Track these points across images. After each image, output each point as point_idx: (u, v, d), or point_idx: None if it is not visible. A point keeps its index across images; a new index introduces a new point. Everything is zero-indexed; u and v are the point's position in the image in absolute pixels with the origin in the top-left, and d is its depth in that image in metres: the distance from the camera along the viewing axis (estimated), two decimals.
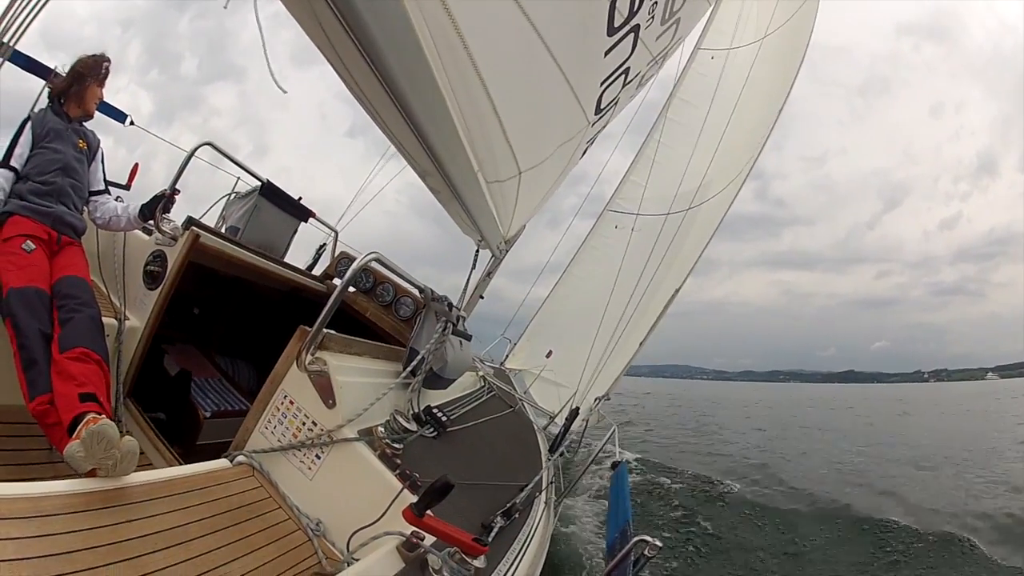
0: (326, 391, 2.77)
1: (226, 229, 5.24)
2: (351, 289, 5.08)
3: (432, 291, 3.67)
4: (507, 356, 12.26)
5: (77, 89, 3.45)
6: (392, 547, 2.14)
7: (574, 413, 6.60)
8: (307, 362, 2.74)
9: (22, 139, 3.22)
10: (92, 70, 3.47)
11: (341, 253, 5.86)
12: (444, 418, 3.75)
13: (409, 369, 3.44)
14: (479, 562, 2.13)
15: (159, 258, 3.99)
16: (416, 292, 3.88)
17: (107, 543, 1.76)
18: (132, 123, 5.76)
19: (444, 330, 3.61)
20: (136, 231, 4.07)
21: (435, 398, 4.12)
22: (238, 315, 5.70)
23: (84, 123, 3.57)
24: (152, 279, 3.97)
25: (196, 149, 4.29)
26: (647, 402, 47.28)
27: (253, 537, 2.24)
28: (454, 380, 4.10)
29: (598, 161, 14.23)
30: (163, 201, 3.71)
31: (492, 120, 3.02)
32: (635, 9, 3.37)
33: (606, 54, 3.46)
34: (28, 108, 3.63)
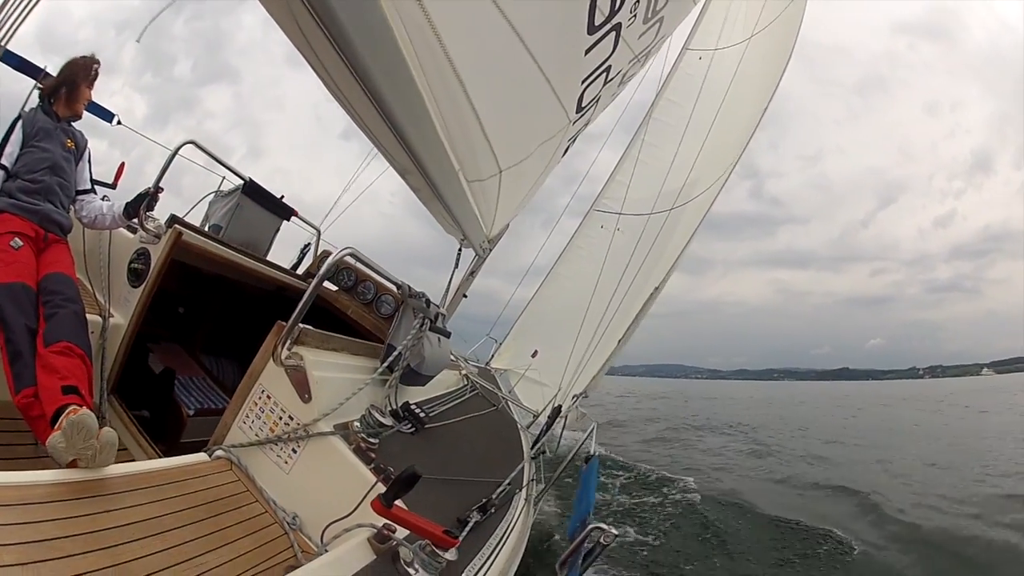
0: (302, 385, 2.80)
1: (209, 227, 5.26)
2: (333, 288, 5.11)
3: (409, 287, 3.70)
4: (493, 356, 12.28)
5: (67, 90, 3.51)
6: (363, 539, 2.17)
7: (556, 412, 6.63)
8: (283, 357, 2.77)
9: (13, 138, 3.27)
10: (82, 71, 3.52)
11: (324, 252, 5.89)
12: (423, 415, 3.78)
13: (386, 364, 3.46)
14: (450, 555, 2.14)
15: (143, 256, 4.02)
16: (394, 289, 3.91)
17: (86, 531, 1.80)
18: (119, 122, 5.78)
19: (421, 326, 3.63)
20: (121, 229, 4.09)
21: (415, 395, 4.15)
22: (223, 314, 5.73)
23: (72, 123, 3.61)
24: (136, 277, 4.00)
25: (180, 147, 4.32)
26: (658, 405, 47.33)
27: (229, 529, 2.26)
28: (432, 376, 4.11)
29: (591, 160, 14.34)
30: (147, 199, 3.73)
31: (471, 118, 3.03)
32: (616, 7, 3.36)
33: (587, 52, 3.45)
34: (18, 108, 3.65)
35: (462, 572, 2.39)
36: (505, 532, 3.10)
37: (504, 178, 3.92)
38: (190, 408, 4.26)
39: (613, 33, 3.55)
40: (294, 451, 2.74)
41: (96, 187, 3.91)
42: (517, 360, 11.80)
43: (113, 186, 4.82)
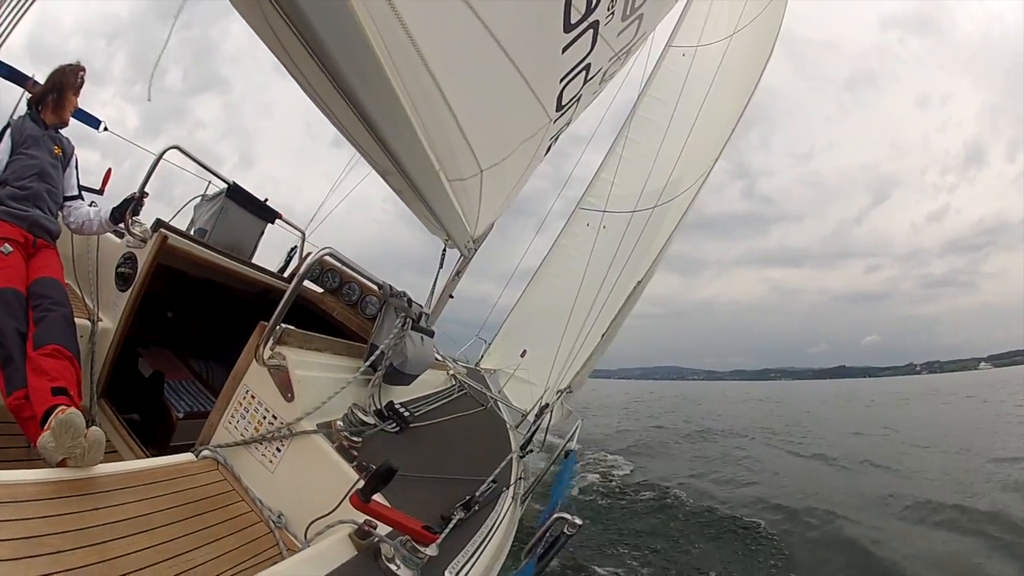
0: (285, 385, 2.83)
1: (195, 231, 5.29)
2: (319, 290, 5.14)
3: (391, 287, 3.72)
4: (482, 356, 12.29)
5: (54, 97, 3.56)
6: (344, 535, 2.19)
7: (544, 410, 6.66)
8: (266, 357, 2.80)
9: (1, 146, 3.33)
10: (68, 79, 3.57)
11: (309, 254, 5.92)
12: (407, 414, 3.79)
13: (368, 363, 3.49)
14: (431, 550, 2.15)
15: (130, 260, 4.06)
16: (376, 289, 3.94)
17: (74, 529, 1.84)
18: (106, 129, 5.80)
19: (403, 325, 3.66)
20: (108, 234, 4.12)
21: (402, 395, 4.18)
22: (211, 318, 5.75)
23: (60, 130, 3.66)
24: (123, 281, 4.04)
25: (164, 152, 4.35)
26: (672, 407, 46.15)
27: (215, 527, 2.29)
28: (416, 376, 4.13)
29: (583, 163, 14.34)
30: (132, 204, 3.78)
31: (448, 118, 3.05)
32: (593, 5, 3.36)
33: (564, 50, 3.46)
34: (7, 116, 3.69)
35: (445, 568, 2.42)
36: (491, 529, 3.12)
37: (485, 177, 3.93)
38: (179, 411, 4.29)
39: (591, 31, 3.55)
40: (278, 450, 2.77)
41: (84, 193, 3.97)
42: (506, 360, 11.80)
43: (101, 192, 4.85)
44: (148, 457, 3.39)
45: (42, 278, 3.11)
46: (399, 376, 3.84)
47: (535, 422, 6.44)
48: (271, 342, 2.84)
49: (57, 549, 1.71)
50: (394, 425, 3.60)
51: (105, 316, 3.93)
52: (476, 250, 5.59)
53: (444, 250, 5.20)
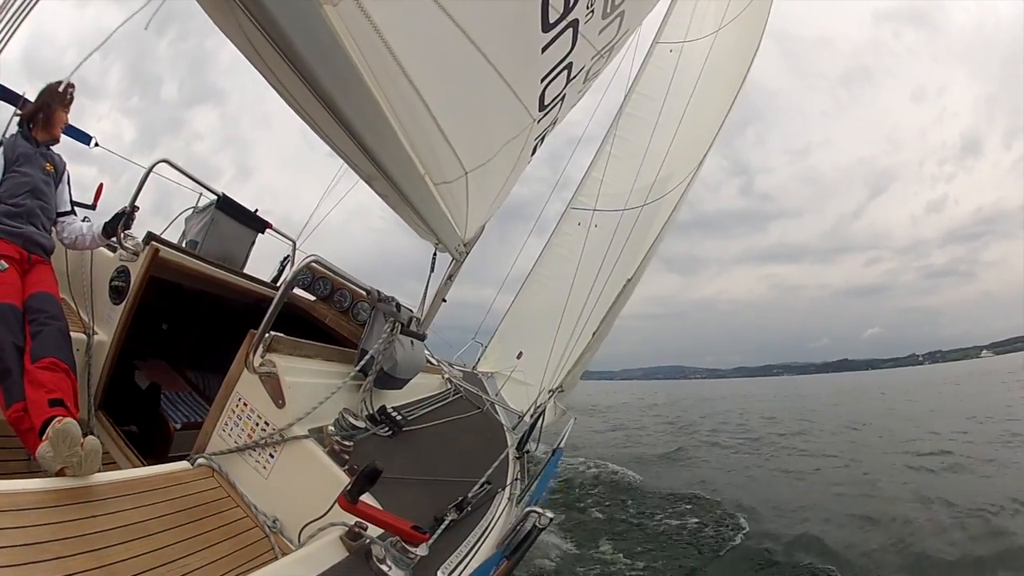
0: (276, 391, 2.86)
1: (186, 243, 5.32)
2: (311, 297, 5.17)
3: (379, 292, 3.75)
4: (479, 360, 12.29)
5: (44, 114, 3.60)
6: (335, 537, 2.22)
7: (540, 411, 6.67)
8: (256, 364, 2.83)
9: None
10: (57, 96, 3.62)
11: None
12: (400, 418, 3.82)
13: (358, 368, 3.52)
14: (421, 550, 2.18)
15: (123, 273, 4.10)
16: (363, 294, 3.97)
17: (73, 535, 1.88)
18: (97, 145, 5.82)
19: (392, 330, 3.68)
20: (102, 248, 4.18)
21: (395, 399, 4.20)
22: (206, 329, 5.78)
23: (51, 147, 3.71)
24: (117, 294, 4.08)
25: (153, 166, 4.38)
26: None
27: (211, 533, 2.33)
28: (408, 380, 4.16)
29: (580, 164, 14.36)
30: (124, 218, 3.81)
31: (429, 122, 3.07)
32: (571, 4, 3.36)
33: (543, 50, 3.45)
34: None
35: (438, 568, 2.44)
36: (485, 530, 3.15)
37: (471, 179, 3.94)
38: (177, 422, 4.32)
39: (570, 30, 3.55)
40: (271, 456, 2.81)
41: (76, 208, 4.01)
42: (503, 363, 11.81)
43: (93, 207, 4.88)
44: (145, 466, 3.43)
45: (38, 293, 3.17)
46: (390, 380, 3.87)
47: (532, 423, 6.45)
48: (261, 350, 2.87)
49: (57, 555, 1.76)
50: (387, 429, 3.63)
51: (100, 329, 3.98)
52: (468, 253, 5.58)
53: (435, 254, 5.21)
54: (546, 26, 3.31)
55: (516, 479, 4.73)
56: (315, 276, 5.15)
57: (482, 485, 3.48)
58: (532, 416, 6.57)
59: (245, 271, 5.68)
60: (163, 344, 5.36)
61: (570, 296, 9.67)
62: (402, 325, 3.77)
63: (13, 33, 3.03)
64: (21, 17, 2.95)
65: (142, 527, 2.11)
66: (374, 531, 2.23)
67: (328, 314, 5.07)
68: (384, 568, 2.11)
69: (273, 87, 2.51)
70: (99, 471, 2.32)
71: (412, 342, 3.99)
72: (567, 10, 3.37)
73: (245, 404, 2.96)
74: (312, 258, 3.10)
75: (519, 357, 11.52)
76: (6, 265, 3.16)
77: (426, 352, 5.45)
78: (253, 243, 6.01)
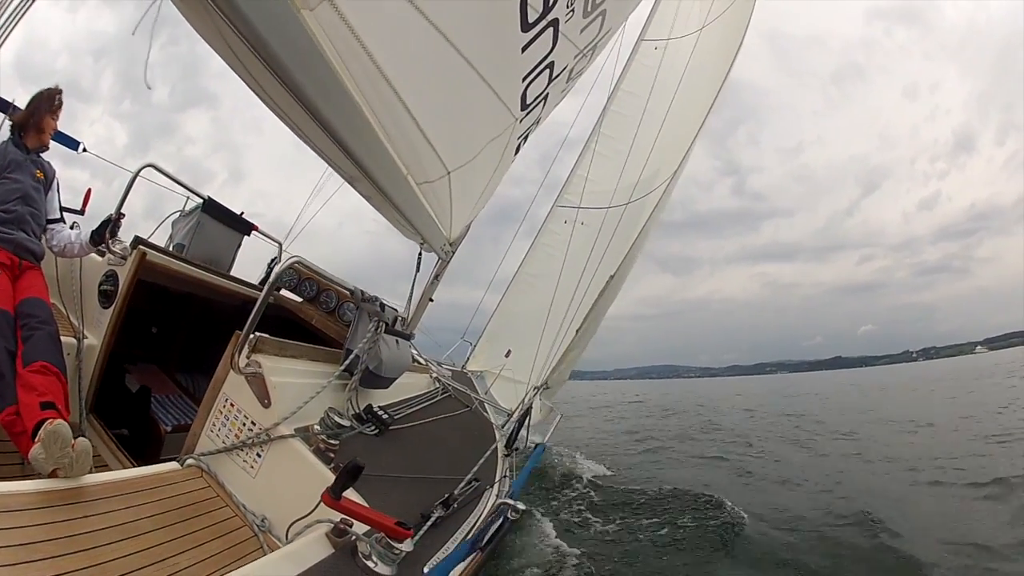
0: (262, 392, 2.90)
1: (173, 247, 5.35)
2: (298, 299, 5.19)
3: (362, 292, 3.77)
4: (468, 359, 12.30)
5: (34, 121, 3.61)
6: (321, 533, 2.26)
7: (528, 409, 6.70)
8: (242, 365, 2.86)
9: None
10: (45, 103, 3.64)
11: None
12: (387, 417, 3.85)
13: (343, 368, 3.55)
14: (406, 546, 2.21)
15: (111, 277, 4.13)
16: (348, 295, 4.00)
17: (65, 535, 1.92)
18: (85, 150, 5.83)
19: (376, 329, 3.71)
20: (91, 253, 4.17)
21: (383, 399, 4.24)
22: (195, 332, 5.80)
23: (41, 154, 3.73)
24: (106, 298, 4.11)
25: (139, 171, 4.40)
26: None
27: (200, 532, 2.36)
28: (394, 379, 4.19)
29: (570, 166, 14.32)
30: (110, 225, 3.84)
31: (409, 123, 3.09)
32: (551, 4, 3.37)
33: (523, 50, 3.46)
34: None
35: (426, 564, 2.48)
36: (473, 527, 3.18)
37: (453, 179, 3.96)
38: (167, 424, 4.35)
39: (551, 29, 3.56)
40: (259, 455, 2.84)
41: (65, 214, 4.03)
42: (492, 361, 11.81)
43: (82, 212, 4.89)
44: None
45: (28, 298, 3.20)
46: (376, 379, 3.89)
47: (521, 422, 6.48)
48: (246, 350, 2.90)
49: (51, 555, 1.79)
50: (373, 428, 3.66)
51: (90, 333, 4.01)
52: (453, 252, 5.60)
53: (420, 254, 5.24)
54: (525, 26, 3.31)
55: (505, 476, 4.76)
56: (301, 278, 5.18)
57: (469, 482, 3.50)
58: (521, 415, 6.60)
59: (232, 273, 5.71)
60: (153, 348, 5.38)
61: (556, 294, 9.72)
62: (386, 324, 3.79)
63: (6, 38, 3.05)
64: (13, 23, 2.97)
65: (133, 527, 2.15)
66: (360, 528, 2.26)
67: (315, 315, 5.10)
68: (369, 564, 2.14)
69: (254, 91, 2.53)
70: (91, 473, 2.36)
71: (397, 341, 4.02)
72: (547, 9, 3.38)
73: (232, 404, 3.00)
74: (294, 259, 3.13)
75: (508, 355, 11.52)
76: None
77: (413, 351, 5.48)
78: (239, 245, 6.04)
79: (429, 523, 2.79)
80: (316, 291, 5.17)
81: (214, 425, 3.04)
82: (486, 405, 7.24)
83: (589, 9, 3.98)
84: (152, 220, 5.62)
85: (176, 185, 5.25)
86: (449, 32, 2.81)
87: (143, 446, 4.11)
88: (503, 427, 6.70)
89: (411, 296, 5.45)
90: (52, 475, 2.25)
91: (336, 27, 2.28)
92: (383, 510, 2.33)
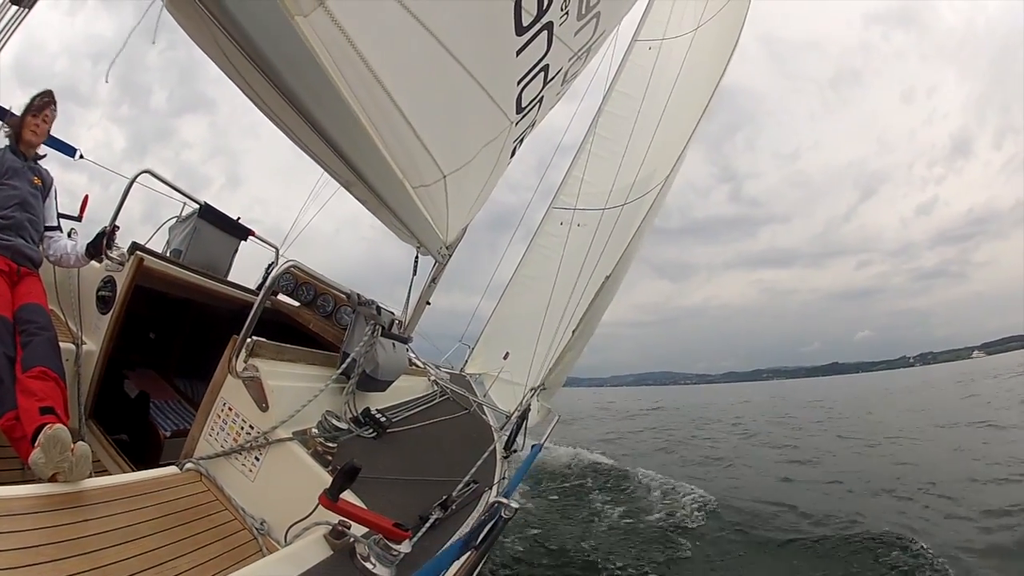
0: (260, 395, 2.90)
1: (170, 252, 5.37)
2: (295, 303, 5.21)
3: (359, 295, 3.79)
4: (466, 361, 12.26)
5: (18, 123, 3.64)
6: (320, 535, 2.27)
7: (526, 410, 6.71)
8: (239, 369, 2.87)
9: None
10: (28, 105, 3.64)
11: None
12: (385, 420, 3.85)
13: (340, 371, 3.56)
14: (404, 547, 2.21)
15: (109, 283, 4.15)
16: (344, 298, 4.01)
17: (65, 539, 1.93)
18: (82, 156, 5.85)
19: (373, 332, 3.72)
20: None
21: (381, 402, 4.25)
22: (193, 337, 5.82)
23: (38, 160, 3.77)
24: (104, 304, 4.13)
25: (135, 177, 4.41)
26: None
27: (200, 536, 2.37)
28: (391, 382, 4.20)
29: (562, 169, 14.29)
30: (105, 237, 3.85)
31: (404, 128, 3.10)
32: (545, 6, 3.37)
33: (518, 53, 3.48)
34: None
35: (423, 565, 2.49)
36: (472, 528, 3.19)
37: (449, 182, 3.98)
38: (166, 430, 4.37)
39: (545, 32, 3.57)
40: (257, 459, 2.85)
41: (62, 220, 4.06)
42: (490, 364, 11.78)
43: (79, 219, 4.91)
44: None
45: (27, 304, 3.23)
46: (373, 383, 3.90)
47: (519, 423, 6.49)
48: (243, 354, 2.91)
49: (51, 558, 1.81)
50: (371, 431, 3.67)
51: (89, 339, 4.03)
52: (450, 256, 5.62)
53: (416, 257, 5.26)
54: (520, 29, 3.33)
55: (504, 478, 4.77)
56: (298, 282, 5.19)
57: (468, 484, 3.51)
58: (519, 416, 6.60)
59: (230, 278, 5.73)
60: (151, 353, 5.40)
61: (553, 295, 9.71)
62: (383, 328, 3.80)
63: (4, 44, 3.06)
64: (10, 32, 2.99)
65: (133, 530, 2.16)
66: (359, 530, 2.27)
67: (312, 319, 5.11)
68: (368, 565, 2.14)
69: (249, 98, 2.55)
70: (91, 477, 2.37)
71: (394, 344, 4.03)
72: (541, 12, 3.39)
73: (230, 409, 3.01)
74: (290, 263, 3.14)
75: (506, 358, 11.48)
76: None
77: (411, 355, 5.50)
78: (236, 250, 6.08)
79: (427, 525, 2.79)
80: (313, 295, 5.19)
81: (212, 429, 3.05)
82: (484, 407, 7.24)
83: (583, 12, 3.98)
84: (149, 224, 5.64)
85: (173, 197, 5.28)
86: (443, 36, 2.82)
87: (142, 451, 4.12)
88: (501, 429, 6.70)
89: (408, 299, 5.47)
90: (52, 479, 2.26)
91: (330, 33, 2.28)
92: (381, 512, 2.33)
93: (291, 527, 2.45)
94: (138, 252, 4.19)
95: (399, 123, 3.05)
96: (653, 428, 26.42)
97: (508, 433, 6.41)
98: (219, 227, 5.77)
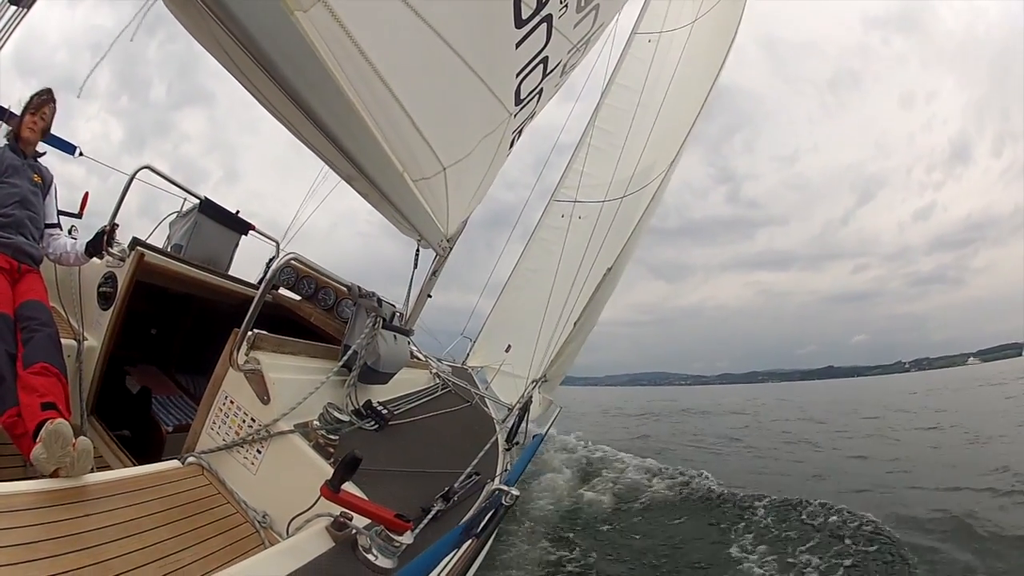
0: (261, 388, 2.92)
1: (171, 247, 5.38)
2: (296, 297, 5.21)
3: (359, 288, 3.79)
4: (468, 355, 12.28)
5: (17, 122, 3.64)
6: (322, 527, 2.27)
7: (528, 403, 6.72)
8: (241, 362, 2.88)
9: None
10: (27, 103, 3.64)
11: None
12: (386, 412, 3.86)
13: (342, 363, 3.57)
14: (406, 538, 2.21)
15: (110, 279, 4.16)
16: (345, 291, 4.02)
17: (68, 534, 1.93)
18: (81, 154, 5.84)
19: (374, 325, 3.73)
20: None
21: (383, 394, 4.26)
22: (194, 332, 5.82)
23: (38, 158, 3.76)
24: (105, 300, 4.13)
25: (135, 174, 4.42)
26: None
27: (202, 529, 2.37)
28: (392, 374, 4.20)
29: (560, 167, 14.28)
30: (105, 236, 3.85)
31: (404, 121, 3.11)
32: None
33: (517, 46, 3.49)
34: None
35: (424, 553, 2.49)
36: (472, 516, 3.19)
37: (449, 175, 3.99)
38: (168, 425, 4.36)
39: (544, 24, 3.58)
40: (259, 452, 2.86)
41: (63, 217, 4.05)
42: (492, 356, 11.78)
43: (79, 216, 4.91)
44: None
45: (28, 301, 3.22)
46: (375, 375, 3.91)
47: (520, 416, 6.50)
48: (244, 347, 2.92)
49: (53, 554, 1.81)
50: (372, 423, 3.68)
51: (90, 335, 4.03)
52: (451, 248, 5.63)
53: (417, 250, 5.27)
54: (519, 22, 3.34)
55: (506, 470, 4.77)
56: (299, 276, 5.19)
57: (470, 476, 3.52)
58: (521, 408, 6.61)
59: (231, 273, 5.73)
60: (153, 349, 5.40)
61: (554, 288, 9.72)
62: (384, 320, 3.81)
63: (3, 44, 3.07)
64: (9, 31, 2.99)
65: (135, 525, 2.16)
66: (360, 522, 2.28)
67: (313, 313, 5.11)
68: (370, 557, 2.14)
69: (250, 93, 2.55)
70: (93, 472, 2.38)
71: (395, 337, 4.03)
72: (540, 5, 3.41)
73: (232, 402, 3.02)
74: (291, 256, 3.15)
75: (508, 350, 11.52)
76: None
77: (412, 347, 5.50)
78: (237, 245, 6.10)
79: (429, 516, 2.80)
80: (314, 289, 5.18)
81: (214, 423, 3.06)
82: (486, 400, 7.25)
83: (582, 4, 4.00)
84: (145, 217, 5.64)
85: (171, 192, 5.28)
86: (443, 30, 2.83)
87: (145, 447, 4.12)
88: (503, 421, 6.70)
89: (409, 292, 5.47)
90: (54, 475, 2.26)
91: (330, 28, 2.28)
92: (383, 504, 2.34)
93: (293, 519, 2.45)
94: (139, 248, 4.18)
95: (399, 116, 3.06)
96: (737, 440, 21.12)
97: (510, 425, 6.41)
98: (220, 222, 5.78)
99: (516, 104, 4.09)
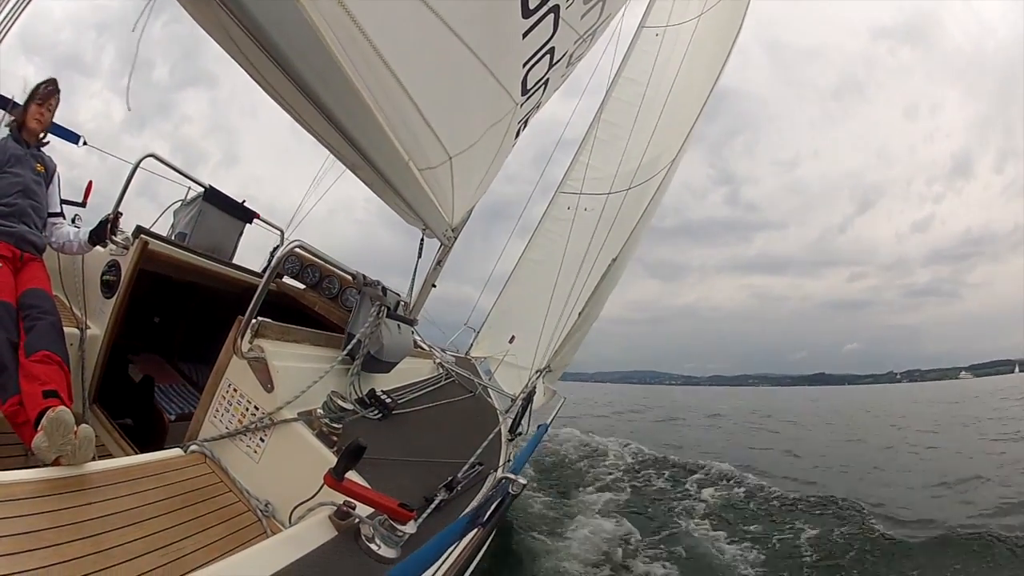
0: (265, 376, 2.91)
1: (175, 235, 5.37)
2: (301, 286, 5.20)
3: (364, 276, 3.78)
4: (472, 345, 12.26)
5: (22, 112, 3.63)
6: (324, 516, 2.26)
7: (531, 393, 6.72)
8: (244, 349, 2.87)
9: None
10: (33, 92, 3.63)
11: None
12: (390, 401, 3.85)
13: (346, 352, 3.56)
14: (409, 528, 2.21)
15: (113, 267, 4.15)
16: (350, 279, 4.01)
17: (69, 523, 1.91)
18: (85, 143, 5.83)
19: (378, 313, 3.72)
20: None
21: (386, 384, 4.24)
22: (197, 321, 5.81)
23: (41, 148, 3.74)
24: (108, 288, 4.13)
25: (140, 162, 4.41)
26: None
27: (205, 518, 2.36)
28: (395, 363, 4.20)
29: (563, 165, 14.23)
30: (108, 224, 3.84)
31: (411, 110, 3.10)
32: None
33: (524, 36, 3.48)
34: None
35: (430, 540, 2.48)
36: (479, 505, 3.18)
37: (455, 164, 3.98)
38: (171, 414, 4.36)
39: (551, 15, 3.58)
40: (262, 440, 2.85)
41: (66, 206, 4.03)
42: (496, 347, 11.74)
43: (83, 205, 4.90)
44: None
45: (30, 290, 3.21)
46: (378, 364, 3.90)
47: (524, 406, 6.50)
48: (248, 335, 2.91)
49: (54, 542, 1.79)
50: (376, 412, 3.67)
51: (93, 324, 4.02)
52: (456, 238, 5.62)
53: (422, 239, 5.24)
54: (526, 12, 3.33)
55: (509, 460, 4.77)
56: (304, 264, 5.18)
57: (473, 466, 3.51)
58: (524, 398, 6.61)
59: (235, 261, 5.73)
60: (156, 338, 5.40)
61: (559, 279, 9.68)
62: (388, 309, 3.80)
63: (12, 25, 3.06)
64: (13, 18, 2.98)
65: (137, 513, 2.15)
66: (364, 511, 2.27)
67: (317, 302, 5.10)
68: (372, 546, 2.14)
69: (255, 81, 2.54)
70: (94, 461, 2.37)
71: (399, 326, 4.02)
72: None
73: (235, 390, 3.02)
74: (296, 243, 3.13)
75: (511, 341, 11.47)
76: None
77: (416, 337, 5.49)
78: (241, 233, 6.09)
79: (432, 506, 2.79)
80: (319, 278, 5.18)
81: (217, 411, 3.06)
82: (490, 390, 7.24)
83: None
84: (144, 198, 5.62)
85: (171, 178, 5.27)
86: (450, 19, 2.82)
87: (147, 436, 4.12)
88: (507, 412, 6.71)
89: (413, 281, 5.46)
90: (55, 463, 2.25)
91: (336, 15, 2.27)
92: (387, 493, 2.33)
93: (295, 508, 2.44)
94: (143, 236, 4.18)
95: (405, 105, 3.04)
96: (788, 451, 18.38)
97: (513, 415, 6.41)
98: (224, 210, 5.77)
99: (522, 94, 4.08)
